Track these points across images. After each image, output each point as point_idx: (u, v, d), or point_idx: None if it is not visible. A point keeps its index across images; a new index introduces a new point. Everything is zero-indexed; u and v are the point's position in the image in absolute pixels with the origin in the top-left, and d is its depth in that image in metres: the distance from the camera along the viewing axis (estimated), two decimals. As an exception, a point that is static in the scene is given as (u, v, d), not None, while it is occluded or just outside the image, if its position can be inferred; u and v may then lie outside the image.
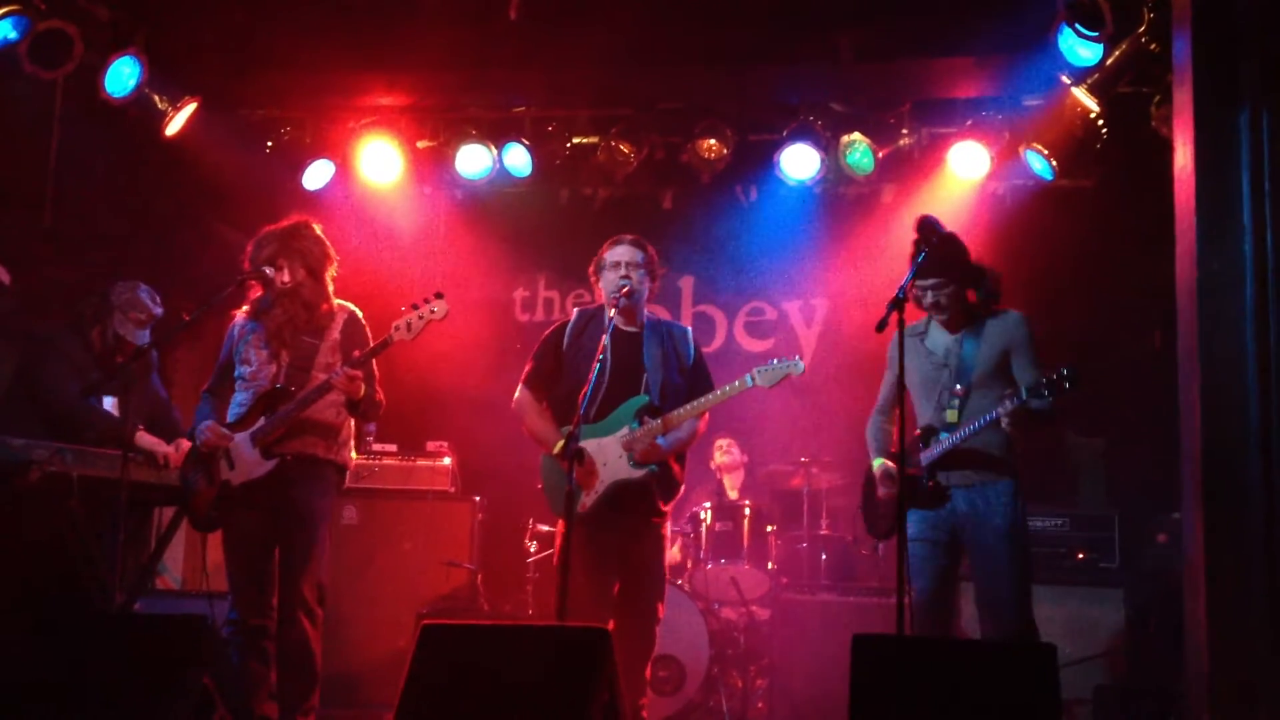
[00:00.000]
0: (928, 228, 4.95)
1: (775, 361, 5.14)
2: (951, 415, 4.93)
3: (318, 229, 5.41)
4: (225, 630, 5.15)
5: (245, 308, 5.39)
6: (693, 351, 5.44)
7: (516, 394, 5.44)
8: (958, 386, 4.95)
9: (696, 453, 7.58)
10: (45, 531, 5.34)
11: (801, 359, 5.19)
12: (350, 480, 7.32)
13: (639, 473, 5.15)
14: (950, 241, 5.00)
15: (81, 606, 5.35)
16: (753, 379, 5.11)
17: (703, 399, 5.17)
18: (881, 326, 4.67)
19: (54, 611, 5.29)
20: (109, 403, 5.94)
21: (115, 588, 5.27)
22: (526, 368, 5.48)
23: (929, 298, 5.00)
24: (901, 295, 4.61)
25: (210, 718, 4.22)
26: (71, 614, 5.14)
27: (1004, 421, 4.70)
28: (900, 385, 4.67)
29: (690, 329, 5.61)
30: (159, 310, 6.02)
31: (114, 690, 3.96)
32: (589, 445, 5.13)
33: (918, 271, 4.89)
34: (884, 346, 5.06)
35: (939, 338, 5.09)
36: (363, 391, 5.15)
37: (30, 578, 5.49)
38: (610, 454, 5.17)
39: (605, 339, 5.08)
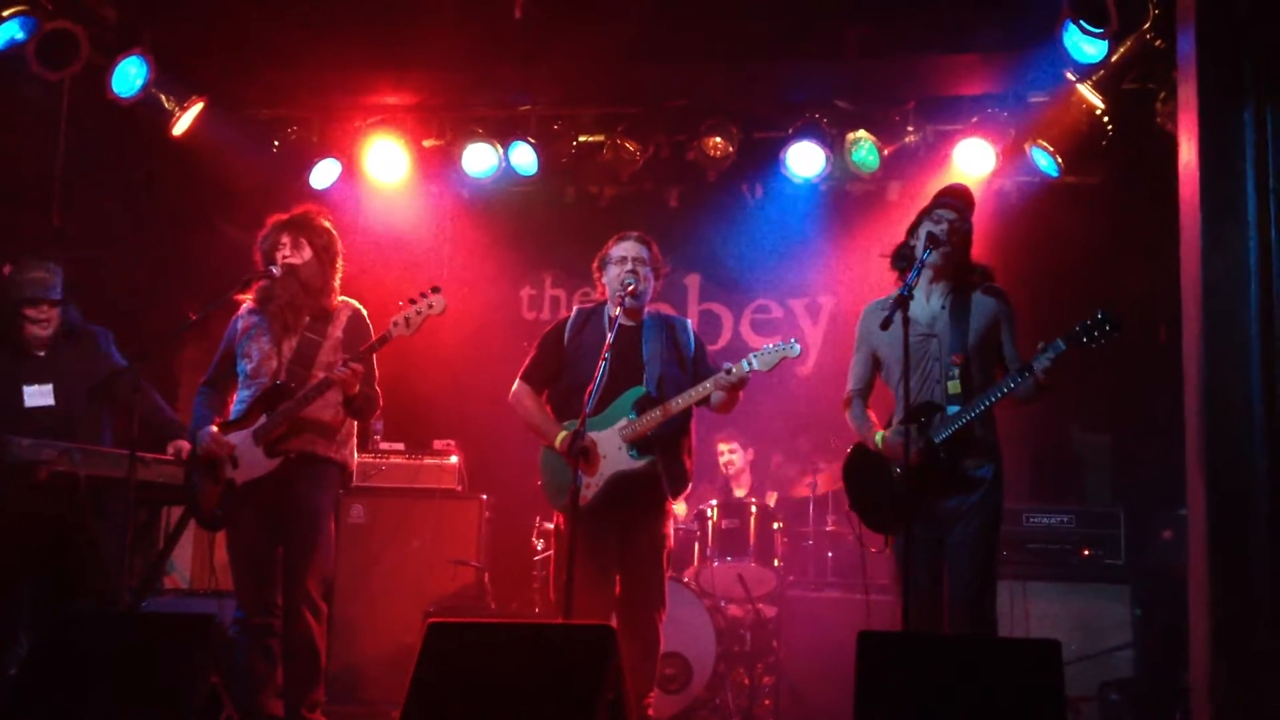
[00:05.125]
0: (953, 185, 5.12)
1: (771, 345, 5.15)
2: (954, 386, 4.76)
3: (327, 221, 5.45)
4: (231, 629, 5.18)
5: (249, 299, 5.40)
6: (693, 342, 5.47)
7: (514, 387, 5.47)
8: (953, 355, 4.79)
9: (703, 449, 7.61)
10: (53, 531, 5.36)
11: (798, 343, 5.18)
12: (357, 479, 7.37)
13: (639, 463, 5.17)
14: (969, 191, 5.07)
15: (89, 606, 5.37)
16: (749, 363, 5.10)
17: (700, 386, 5.16)
18: (887, 324, 4.68)
19: (62, 611, 5.32)
20: (35, 393, 5.68)
21: (123, 587, 5.28)
22: (526, 362, 5.51)
23: (942, 225, 4.84)
24: (906, 292, 4.60)
25: (218, 716, 4.23)
26: (79, 613, 5.17)
27: (1041, 375, 4.54)
28: (905, 369, 4.55)
29: (690, 321, 5.63)
30: (53, 266, 5.73)
31: (122, 689, 3.97)
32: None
33: (945, 203, 4.90)
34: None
35: (920, 306, 4.89)
36: (357, 389, 5.17)
37: (38, 577, 5.52)
38: (610, 446, 5.20)
39: (610, 337, 5.09)
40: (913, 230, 4.97)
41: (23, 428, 5.44)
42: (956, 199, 4.97)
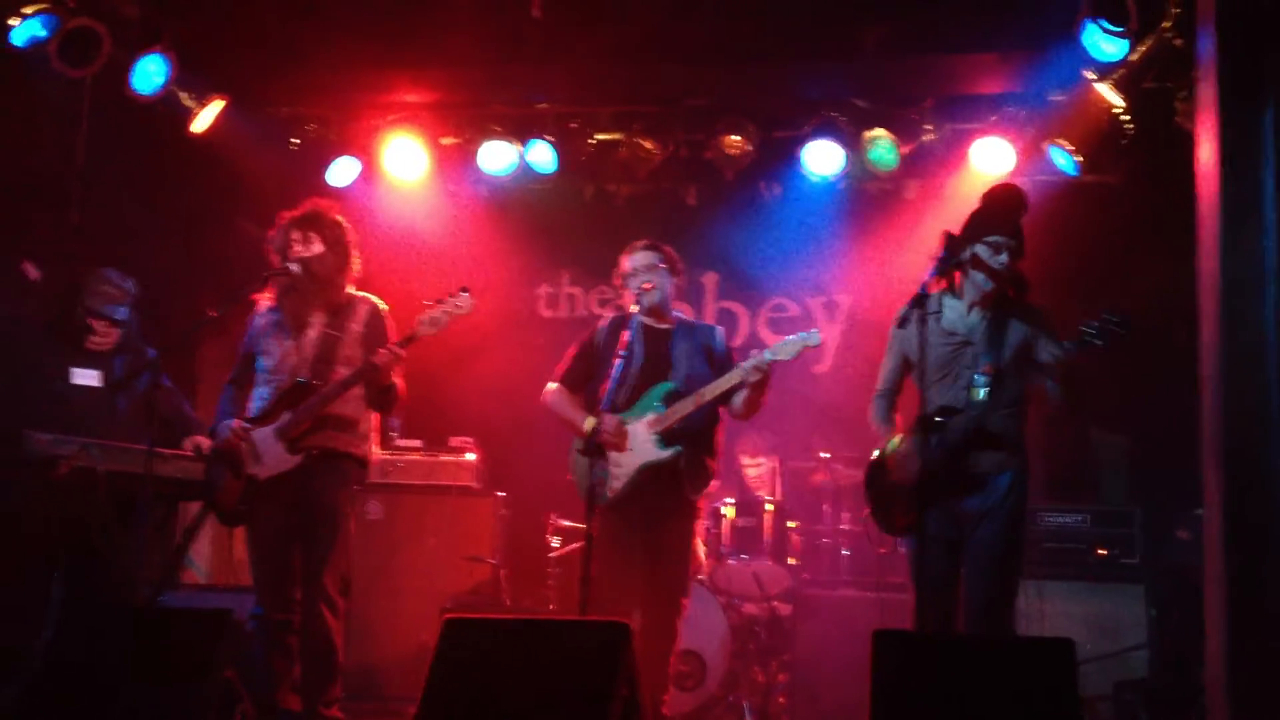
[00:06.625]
0: (1005, 186, 4.98)
1: (792, 336, 5.18)
2: (977, 393, 4.74)
3: (338, 214, 5.46)
4: (249, 624, 5.20)
5: (267, 296, 5.43)
6: (722, 346, 5.57)
7: (550, 387, 5.54)
8: (985, 365, 4.75)
9: (725, 456, 7.60)
10: (72, 526, 5.39)
11: (819, 331, 5.21)
12: (375, 475, 7.41)
13: (666, 453, 5.24)
14: (1024, 197, 4.92)
15: (108, 600, 5.40)
16: (772, 354, 5.13)
17: (726, 376, 5.22)
18: (904, 323, 4.69)
19: (80, 605, 5.35)
20: (82, 374, 5.79)
21: (141, 582, 5.32)
22: (561, 365, 5.61)
23: (1003, 258, 4.79)
24: (924, 291, 4.60)
25: (235, 710, 4.27)
26: (98, 608, 5.20)
27: (1053, 371, 4.56)
28: (921, 368, 4.60)
29: (720, 328, 5.71)
30: (129, 286, 5.88)
31: (139, 684, 4.00)
32: None
33: (999, 227, 4.80)
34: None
35: (959, 316, 4.90)
36: (393, 379, 5.22)
37: (57, 572, 5.55)
38: (639, 438, 5.27)
39: (626, 334, 5.20)
40: (966, 239, 4.84)
41: (67, 403, 5.58)
42: (1016, 223, 4.85)
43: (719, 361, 5.47)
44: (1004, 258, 4.81)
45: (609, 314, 5.84)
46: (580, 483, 5.42)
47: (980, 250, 4.82)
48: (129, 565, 5.29)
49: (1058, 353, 4.57)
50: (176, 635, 4.18)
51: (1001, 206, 4.89)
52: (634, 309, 5.38)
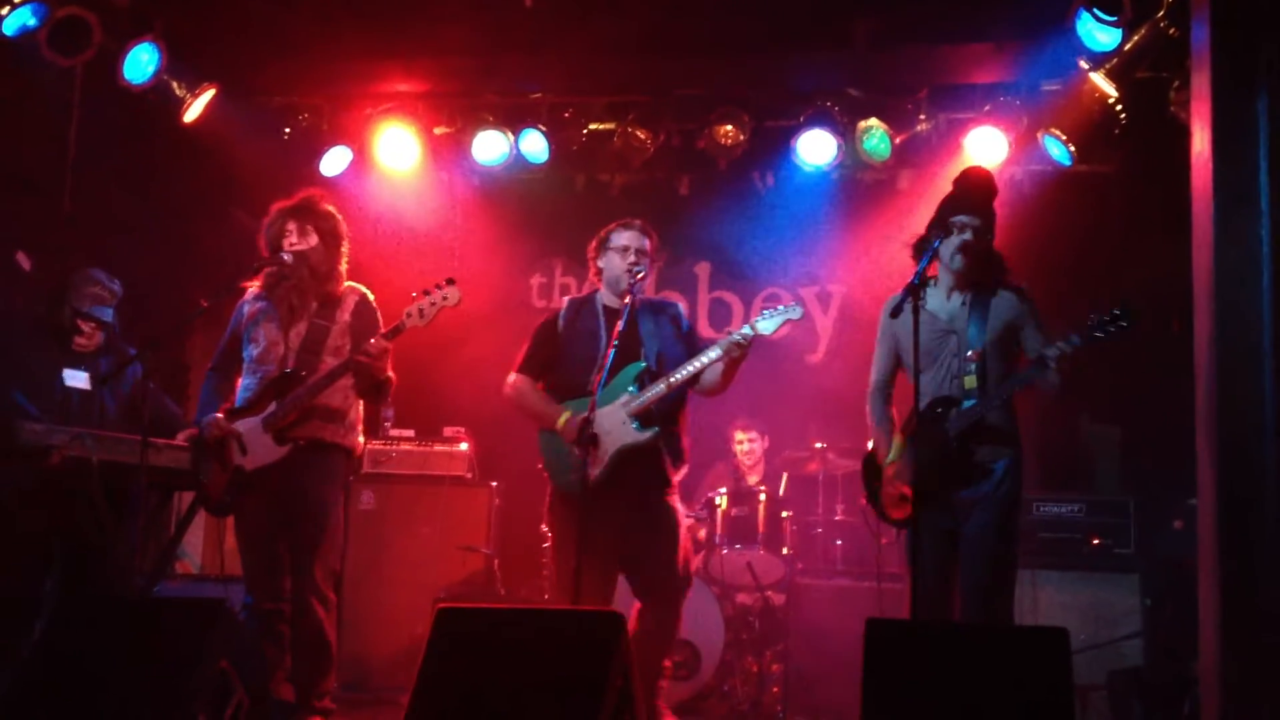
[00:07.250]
0: (974, 169, 5.00)
1: (771, 309, 5.14)
2: (970, 381, 4.76)
3: (331, 205, 5.45)
4: (240, 614, 5.20)
5: (255, 284, 5.41)
6: (686, 320, 5.52)
7: (511, 379, 5.47)
8: (970, 351, 4.78)
9: (714, 436, 7.61)
10: (65, 516, 5.38)
11: (801, 305, 5.18)
12: (368, 465, 7.41)
13: (644, 436, 5.17)
14: (991, 179, 4.96)
15: (101, 590, 5.39)
16: (753, 327, 5.09)
17: (707, 353, 5.16)
18: (897, 311, 4.69)
19: (74, 595, 5.34)
20: (73, 376, 5.80)
21: (135, 572, 5.30)
22: (521, 355, 5.51)
23: (966, 235, 4.81)
24: (917, 280, 4.61)
25: (229, 700, 4.25)
26: (91, 598, 5.19)
27: (1052, 366, 4.56)
28: (915, 357, 4.58)
29: (680, 303, 5.68)
30: (116, 287, 5.85)
31: (133, 674, 3.98)
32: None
33: (963, 206, 4.83)
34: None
35: (940, 303, 4.92)
36: (386, 372, 5.21)
37: (50, 562, 5.54)
38: (613, 421, 5.18)
39: (621, 324, 5.11)
40: (934, 225, 4.91)
41: (60, 404, 5.57)
42: (980, 203, 4.89)
43: (687, 335, 5.43)
44: (967, 235, 4.84)
45: (568, 297, 5.77)
46: (551, 468, 5.35)
47: (951, 233, 4.85)
48: (122, 555, 5.28)
49: (1065, 348, 4.56)
50: (170, 625, 4.16)
51: (966, 188, 4.92)
52: (612, 294, 5.33)
